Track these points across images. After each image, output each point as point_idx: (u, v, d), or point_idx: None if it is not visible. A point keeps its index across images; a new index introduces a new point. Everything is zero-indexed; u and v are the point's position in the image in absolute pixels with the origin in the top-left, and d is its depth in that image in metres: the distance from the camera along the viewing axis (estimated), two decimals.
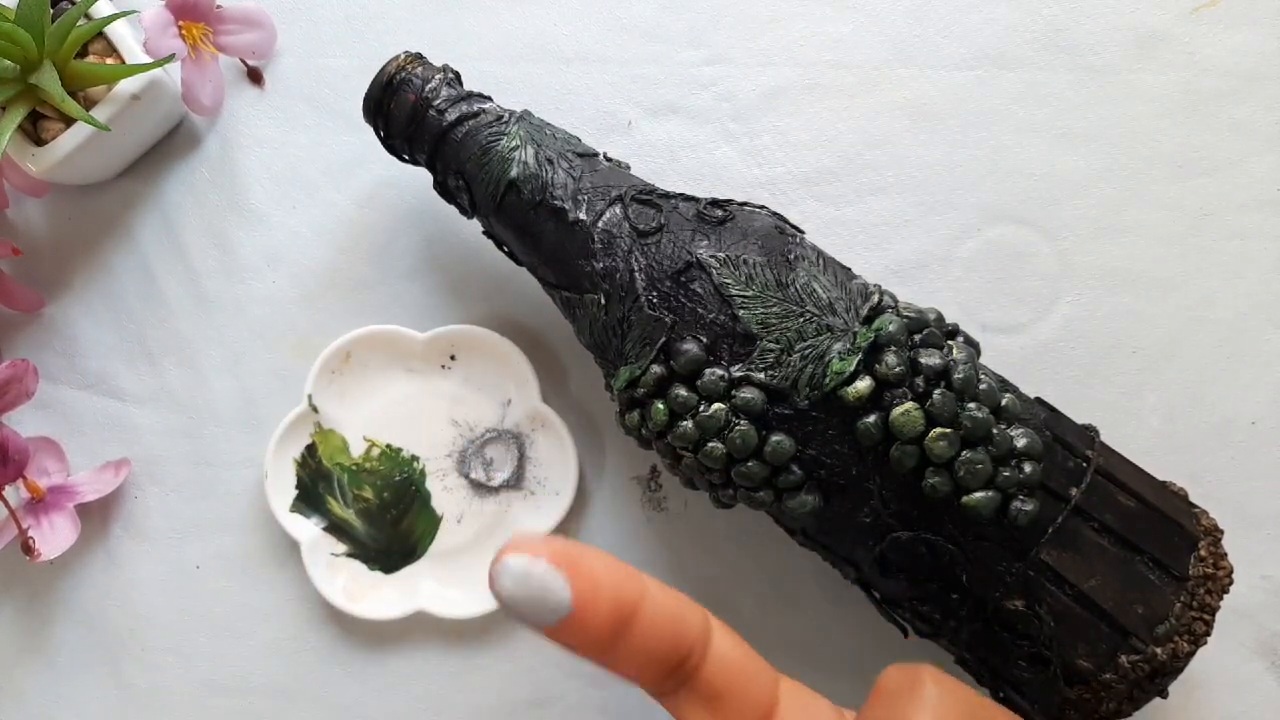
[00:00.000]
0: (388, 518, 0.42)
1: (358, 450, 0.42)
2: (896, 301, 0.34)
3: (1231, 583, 0.32)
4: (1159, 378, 0.41)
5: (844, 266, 0.35)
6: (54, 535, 0.39)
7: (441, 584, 0.41)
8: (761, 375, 0.32)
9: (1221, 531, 0.33)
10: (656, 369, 0.33)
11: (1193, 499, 0.36)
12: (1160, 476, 0.36)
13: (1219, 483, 0.40)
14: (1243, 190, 0.42)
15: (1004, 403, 0.32)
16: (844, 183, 0.43)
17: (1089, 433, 0.34)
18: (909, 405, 0.30)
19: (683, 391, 0.32)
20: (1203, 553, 0.31)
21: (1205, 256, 0.42)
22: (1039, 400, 0.35)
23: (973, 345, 0.34)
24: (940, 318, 0.34)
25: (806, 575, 0.41)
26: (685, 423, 0.32)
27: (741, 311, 0.32)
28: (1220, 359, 0.41)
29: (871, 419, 0.31)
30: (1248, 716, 0.39)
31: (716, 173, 0.43)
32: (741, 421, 0.32)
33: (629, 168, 0.38)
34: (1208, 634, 0.31)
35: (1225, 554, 0.32)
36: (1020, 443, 0.31)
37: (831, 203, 0.43)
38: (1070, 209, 0.42)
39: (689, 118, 0.44)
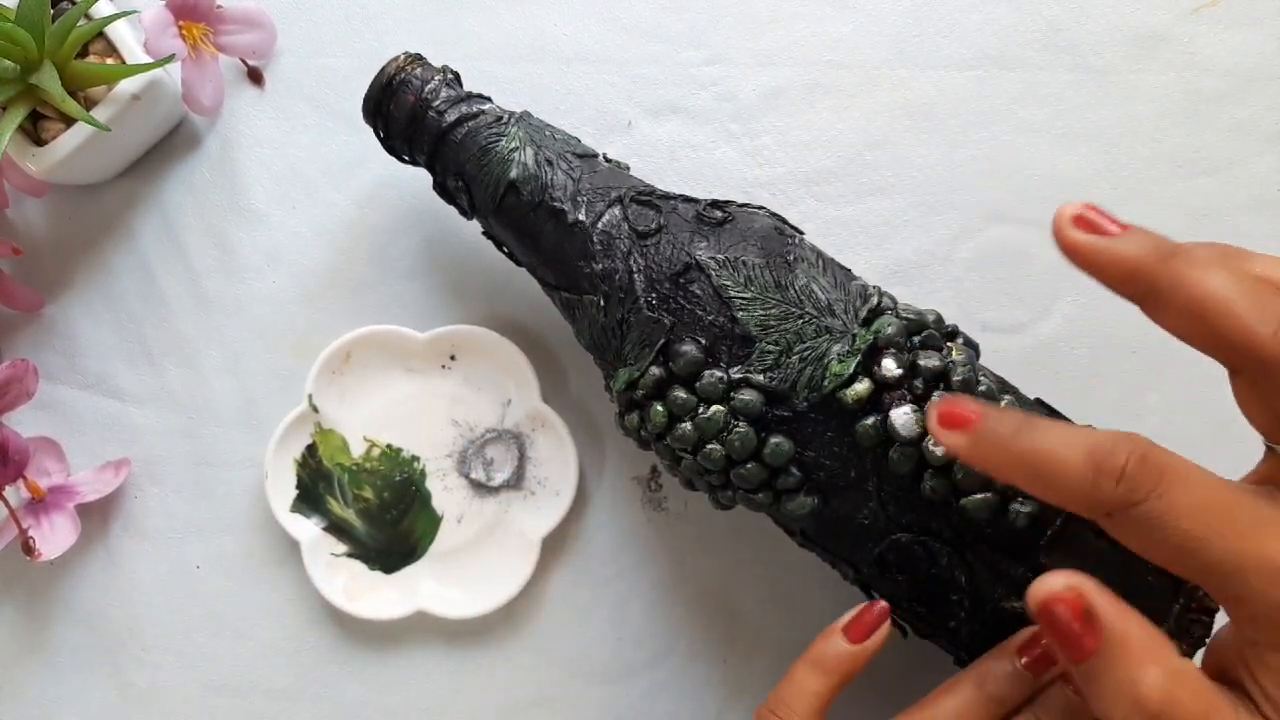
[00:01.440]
0: (388, 518, 0.42)
1: (358, 450, 0.42)
2: (896, 303, 0.34)
3: None
4: (1159, 378, 0.41)
5: (843, 267, 0.35)
6: (54, 535, 0.39)
7: (441, 584, 0.41)
8: (760, 377, 0.32)
9: None
10: (655, 371, 0.33)
11: None
12: None
13: None
14: (1243, 190, 0.42)
15: (1003, 404, 0.31)
16: (844, 183, 0.43)
17: None
18: (907, 408, 0.30)
19: (681, 394, 0.32)
20: None
21: None
22: (1039, 402, 0.35)
23: (972, 347, 0.34)
24: (940, 319, 0.34)
25: (806, 575, 0.41)
26: (684, 425, 0.32)
27: (740, 313, 0.32)
28: None
29: (870, 421, 0.31)
30: None
31: (716, 173, 0.43)
32: (740, 424, 0.32)
33: (628, 168, 0.38)
34: (1205, 636, 0.30)
35: None
36: None
37: (831, 203, 0.43)
38: None
39: (689, 118, 0.44)
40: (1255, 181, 0.42)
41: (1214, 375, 0.41)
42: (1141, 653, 0.23)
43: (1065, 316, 0.42)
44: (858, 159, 0.43)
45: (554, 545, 0.41)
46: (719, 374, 0.32)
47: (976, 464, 0.26)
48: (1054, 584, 0.24)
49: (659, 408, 0.33)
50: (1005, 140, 0.43)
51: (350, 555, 0.42)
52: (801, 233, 0.36)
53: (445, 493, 0.42)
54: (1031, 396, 0.36)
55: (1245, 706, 0.24)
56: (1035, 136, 0.43)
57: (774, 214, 0.36)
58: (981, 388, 0.31)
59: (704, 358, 0.32)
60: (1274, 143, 0.42)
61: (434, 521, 0.42)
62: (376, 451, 0.42)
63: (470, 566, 0.41)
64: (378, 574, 0.41)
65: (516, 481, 0.42)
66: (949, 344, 0.33)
